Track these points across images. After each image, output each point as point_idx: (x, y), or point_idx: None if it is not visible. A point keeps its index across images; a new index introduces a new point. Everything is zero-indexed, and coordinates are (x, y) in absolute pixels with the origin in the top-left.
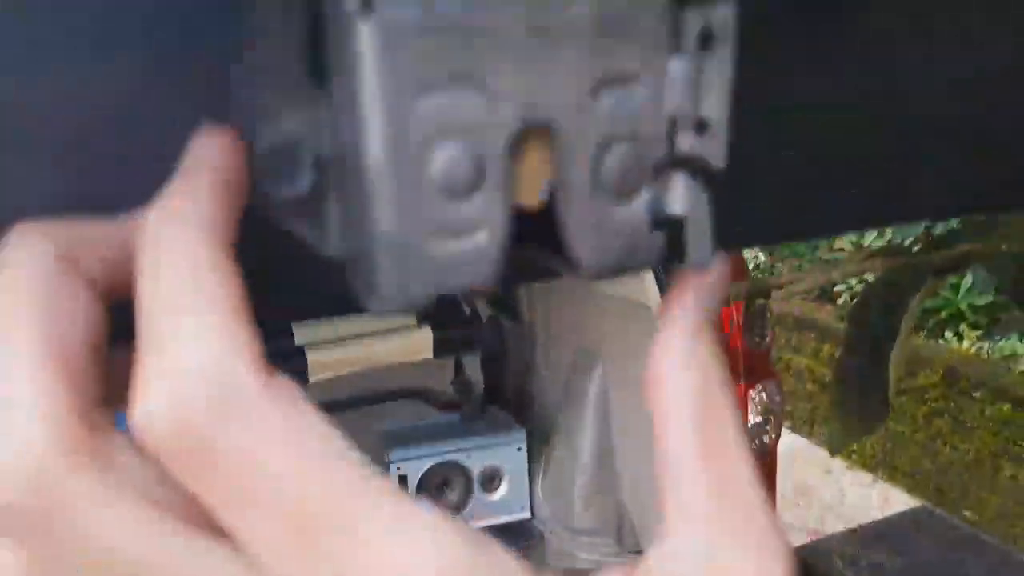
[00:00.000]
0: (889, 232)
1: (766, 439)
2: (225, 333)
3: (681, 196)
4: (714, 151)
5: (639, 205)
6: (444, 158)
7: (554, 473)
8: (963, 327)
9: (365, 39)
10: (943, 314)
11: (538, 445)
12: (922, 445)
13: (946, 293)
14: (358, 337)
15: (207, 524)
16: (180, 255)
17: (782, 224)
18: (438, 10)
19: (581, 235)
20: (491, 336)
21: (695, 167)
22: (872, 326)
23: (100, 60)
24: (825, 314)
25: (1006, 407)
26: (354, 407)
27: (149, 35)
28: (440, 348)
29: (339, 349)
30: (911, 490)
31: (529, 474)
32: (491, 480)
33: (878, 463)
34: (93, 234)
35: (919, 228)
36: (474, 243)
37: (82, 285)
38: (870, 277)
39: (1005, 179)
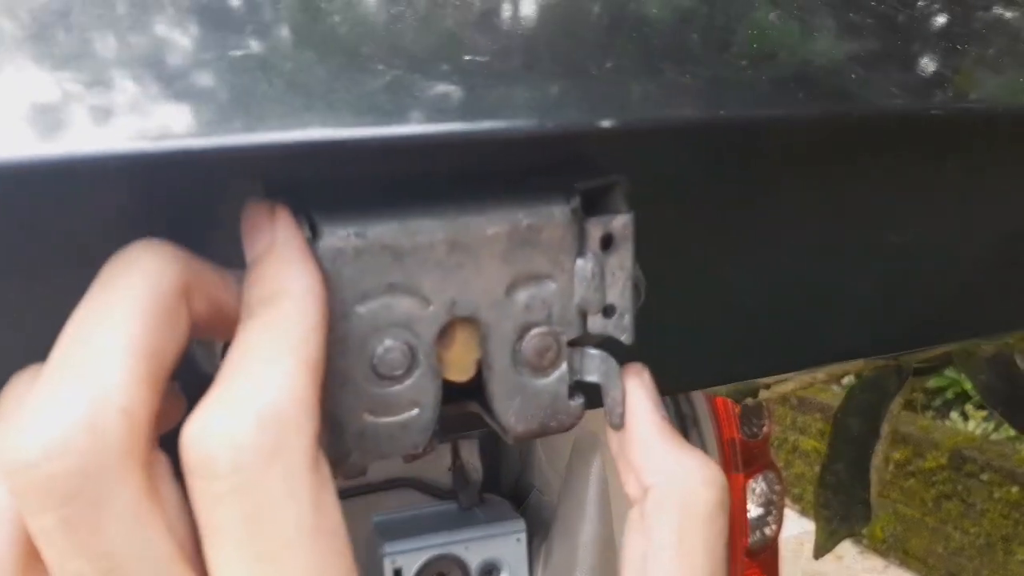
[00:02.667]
0: None
1: (767, 531)
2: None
3: (595, 368)
4: (621, 330)
5: (557, 377)
6: (381, 350)
7: (554, 564)
8: (968, 407)
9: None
10: (949, 394)
11: (538, 535)
12: (933, 529)
13: (951, 372)
14: None
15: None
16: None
17: (703, 373)
18: (371, 236)
19: (505, 405)
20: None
21: (605, 343)
22: (854, 430)
23: None
24: (830, 395)
25: (1014, 490)
26: (346, 497)
27: None
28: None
29: None
30: (924, 575)
31: (528, 565)
32: (489, 573)
33: (890, 548)
34: (212, 278)
35: None
36: (408, 418)
37: (186, 317)
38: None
39: (921, 321)
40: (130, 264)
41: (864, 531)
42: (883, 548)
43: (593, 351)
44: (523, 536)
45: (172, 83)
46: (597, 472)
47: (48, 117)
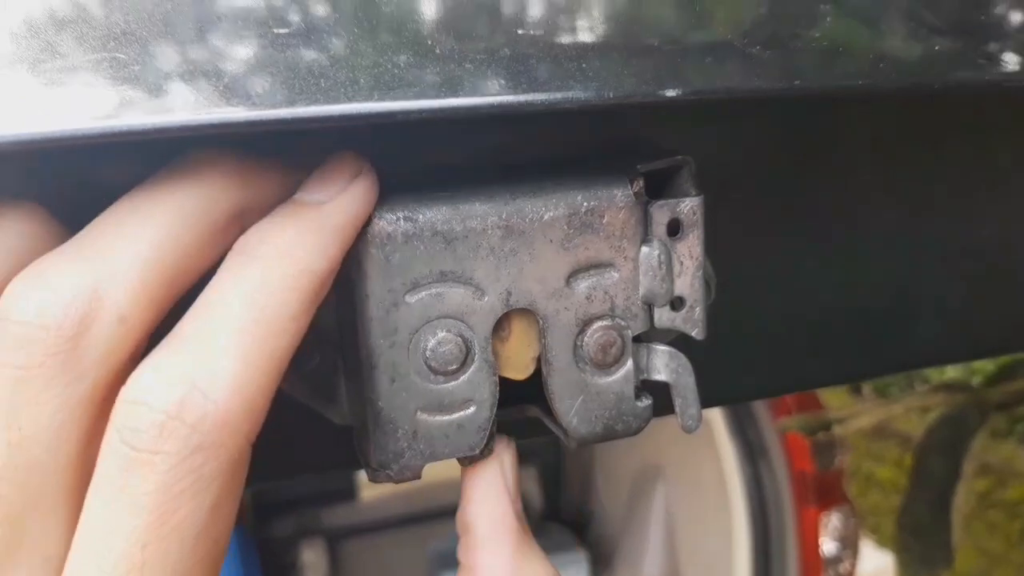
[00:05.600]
0: None
1: (843, 568)
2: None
3: (664, 365)
4: (692, 324)
5: (623, 375)
6: (434, 343)
7: None
8: None
9: (362, 246)
10: None
11: (599, 567)
12: (1018, 565)
13: None
14: None
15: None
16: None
17: (774, 379)
18: (422, 221)
19: (567, 405)
20: (548, 449)
21: (671, 334)
22: (934, 468)
23: None
24: (907, 423)
25: None
26: (402, 526)
27: None
28: None
29: None
30: None
31: None
32: None
33: None
34: (267, 191)
35: None
36: (463, 417)
37: (226, 242)
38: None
39: (1012, 323)
40: (196, 173)
41: None
42: None
43: (661, 347)
44: (585, 567)
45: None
46: (660, 503)
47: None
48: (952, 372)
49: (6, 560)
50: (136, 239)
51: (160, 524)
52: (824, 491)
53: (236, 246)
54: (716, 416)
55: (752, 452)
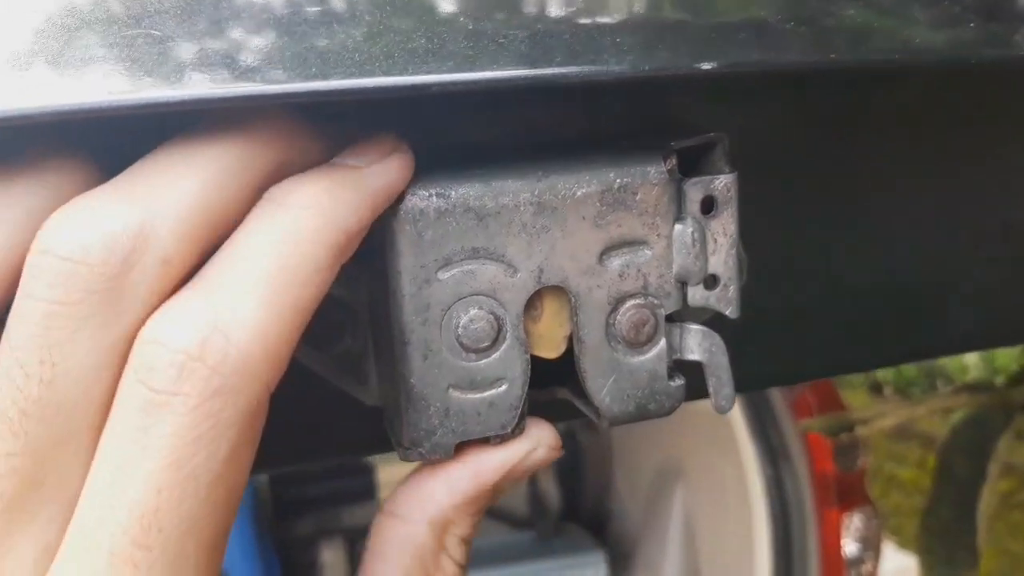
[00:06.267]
0: None
1: (864, 570)
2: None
3: (697, 344)
4: (726, 303)
5: (656, 354)
6: (466, 320)
7: None
8: None
9: (394, 223)
10: None
11: (618, 567)
12: None
13: None
14: None
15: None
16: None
17: (803, 364)
18: (454, 197)
19: (599, 384)
20: (567, 448)
21: (704, 315)
22: (958, 470)
23: None
24: (929, 423)
25: None
26: None
27: None
28: None
29: (409, 464)
30: None
31: None
32: None
33: None
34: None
35: None
36: (495, 395)
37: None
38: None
39: None
40: (241, 125)
41: None
42: None
43: (695, 326)
44: (603, 568)
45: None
46: (680, 503)
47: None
48: (975, 372)
49: (27, 498)
50: (184, 182)
51: (176, 469)
52: (846, 492)
53: (267, 194)
54: (737, 417)
55: (773, 453)
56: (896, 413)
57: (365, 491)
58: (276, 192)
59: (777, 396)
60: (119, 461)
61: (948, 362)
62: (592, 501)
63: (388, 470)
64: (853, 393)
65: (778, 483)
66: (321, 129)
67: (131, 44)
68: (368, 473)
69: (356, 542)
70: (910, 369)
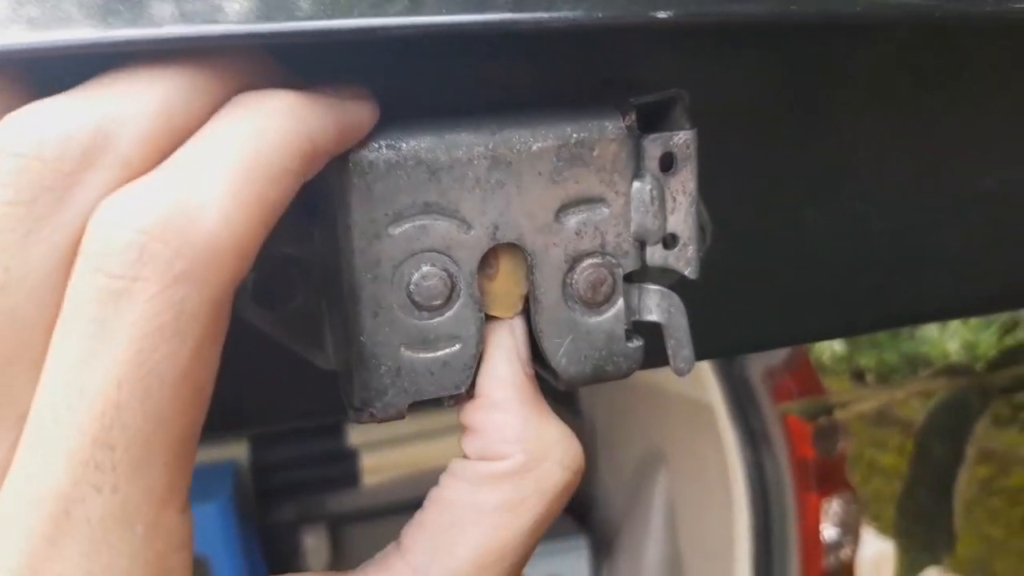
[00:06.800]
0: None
1: (843, 554)
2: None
3: (656, 305)
4: (685, 263)
5: (613, 314)
6: (418, 277)
7: None
8: None
9: (343, 175)
10: None
11: (600, 552)
12: (1019, 553)
13: None
14: (413, 438)
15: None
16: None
17: (772, 330)
18: (405, 149)
19: (555, 344)
20: None
21: (668, 277)
22: (936, 453)
23: None
24: (909, 409)
25: None
26: (405, 512)
27: None
28: None
29: (393, 450)
30: None
31: None
32: None
33: (974, 570)
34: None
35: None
36: (449, 353)
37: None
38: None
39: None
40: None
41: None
42: (967, 570)
43: (653, 287)
44: (585, 552)
45: None
46: (663, 489)
47: None
48: (956, 359)
49: None
50: (148, 88)
51: (138, 364)
52: (826, 477)
53: (237, 98)
54: (718, 402)
55: (754, 438)
56: (876, 396)
57: (348, 478)
58: (247, 95)
59: (757, 380)
60: (75, 357)
61: (930, 349)
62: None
63: (372, 457)
64: (835, 379)
65: (758, 468)
66: (290, 71)
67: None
68: (352, 459)
69: (339, 528)
70: (892, 356)
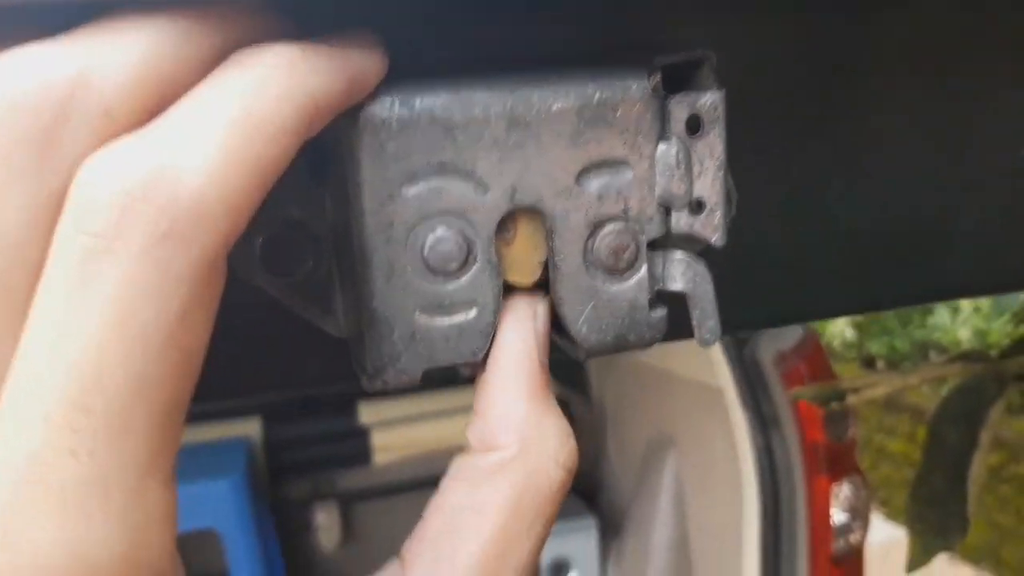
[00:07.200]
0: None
1: (852, 538)
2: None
3: (681, 274)
4: (712, 229)
5: (636, 282)
6: (432, 240)
7: (626, 565)
8: None
9: (353, 133)
10: None
11: (609, 534)
12: None
13: None
14: (424, 417)
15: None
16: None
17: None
18: (419, 107)
19: (575, 312)
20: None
21: (693, 245)
22: (950, 438)
23: None
24: (920, 396)
25: None
26: (416, 490)
27: None
28: None
29: (404, 429)
30: None
31: (599, 565)
32: (559, 571)
33: (983, 555)
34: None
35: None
36: (465, 320)
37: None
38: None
39: None
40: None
41: None
42: (976, 556)
43: (679, 254)
44: (594, 534)
45: None
46: (671, 473)
47: None
48: (966, 344)
49: None
50: (133, 36)
51: (121, 326)
52: (835, 461)
53: (233, 56)
54: (728, 385)
55: (764, 422)
56: (888, 382)
57: (359, 455)
58: (244, 52)
59: (769, 365)
60: (55, 318)
61: (942, 337)
62: (584, 470)
63: (383, 436)
64: (846, 366)
65: (768, 452)
66: (293, 22)
67: None
68: (363, 438)
69: (350, 506)
70: (903, 343)
